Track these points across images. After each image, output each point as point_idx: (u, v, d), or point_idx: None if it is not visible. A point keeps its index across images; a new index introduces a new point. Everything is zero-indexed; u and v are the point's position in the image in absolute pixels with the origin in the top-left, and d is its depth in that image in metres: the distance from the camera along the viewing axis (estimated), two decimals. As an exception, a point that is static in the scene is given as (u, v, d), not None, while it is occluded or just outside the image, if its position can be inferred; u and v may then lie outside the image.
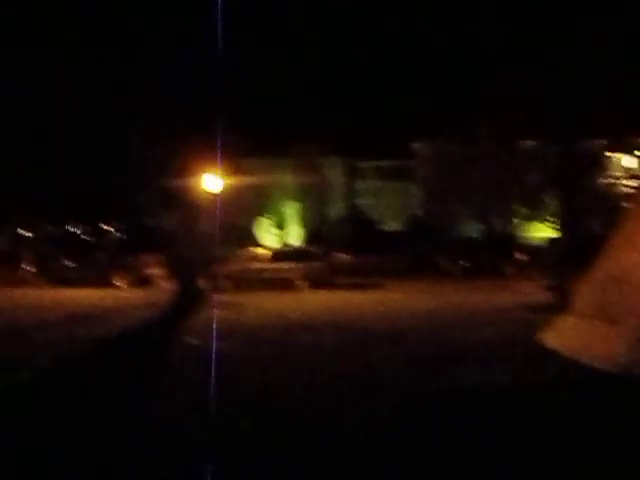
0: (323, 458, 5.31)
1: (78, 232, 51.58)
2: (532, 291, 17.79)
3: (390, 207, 53.03)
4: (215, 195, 21.83)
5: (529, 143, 33.54)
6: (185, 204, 17.69)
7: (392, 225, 50.36)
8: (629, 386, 7.46)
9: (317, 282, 21.51)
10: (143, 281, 23.17)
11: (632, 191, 23.90)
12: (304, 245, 24.24)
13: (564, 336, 9.84)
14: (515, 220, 35.05)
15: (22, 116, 29.98)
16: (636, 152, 35.50)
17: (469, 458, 5.27)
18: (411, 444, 5.64)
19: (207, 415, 6.47)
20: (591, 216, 25.23)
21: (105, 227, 50.42)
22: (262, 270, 22.14)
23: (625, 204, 19.21)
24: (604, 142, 33.61)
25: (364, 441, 5.73)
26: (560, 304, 13.80)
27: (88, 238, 47.81)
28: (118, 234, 43.52)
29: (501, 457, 5.31)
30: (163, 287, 20.88)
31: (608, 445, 5.47)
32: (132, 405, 7.05)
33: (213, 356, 9.37)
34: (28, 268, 24.90)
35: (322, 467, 5.11)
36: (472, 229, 36.98)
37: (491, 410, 6.69)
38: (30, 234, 31.18)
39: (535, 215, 34.27)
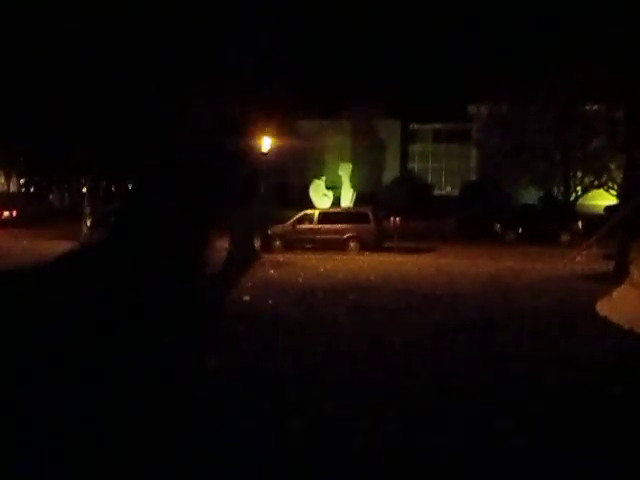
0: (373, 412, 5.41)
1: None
2: (590, 260, 17.38)
3: (445, 171, 52.26)
4: (270, 156, 21.95)
5: (594, 107, 32.26)
6: (241, 164, 17.82)
7: (446, 189, 49.71)
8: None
9: (368, 244, 21.53)
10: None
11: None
12: (356, 207, 24.16)
13: (620, 306, 9.63)
14: (576, 187, 34.01)
15: (84, 75, 30.45)
16: None
17: (517, 419, 5.29)
18: (462, 406, 5.68)
19: (256, 369, 6.66)
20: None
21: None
22: (314, 231, 22.27)
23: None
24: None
25: (414, 399, 5.80)
26: (618, 274, 13.47)
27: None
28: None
29: (546, 419, 5.31)
30: (218, 245, 21.27)
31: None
32: (183, 357, 7.31)
33: (268, 314, 9.57)
34: (88, 225, 25.70)
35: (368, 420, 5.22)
36: (530, 195, 36.12)
37: (541, 375, 6.66)
38: (91, 192, 32.01)
39: (597, 182, 33.17)
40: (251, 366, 6.81)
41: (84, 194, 34.52)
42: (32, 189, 50.30)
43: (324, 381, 6.38)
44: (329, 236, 21.97)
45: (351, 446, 4.75)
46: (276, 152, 23.41)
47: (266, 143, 20.95)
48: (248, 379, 6.39)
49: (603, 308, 10.03)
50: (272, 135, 21.55)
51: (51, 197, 48.52)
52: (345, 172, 26.60)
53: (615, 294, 10.30)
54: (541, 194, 35.00)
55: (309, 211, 23.20)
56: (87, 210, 27.19)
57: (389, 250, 21.20)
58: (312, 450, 4.70)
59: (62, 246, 21.44)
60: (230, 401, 5.73)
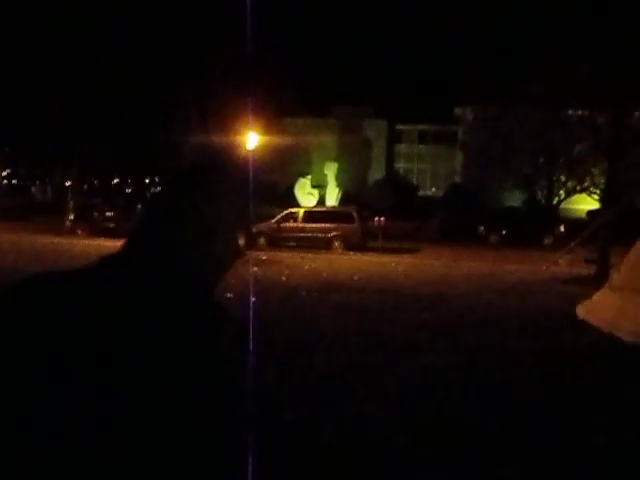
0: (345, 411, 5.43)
1: (121, 184, 52.53)
2: (571, 263, 17.55)
3: (430, 172, 52.46)
4: (255, 154, 21.94)
5: (578, 112, 32.54)
6: (226, 161, 17.85)
7: (431, 190, 49.89)
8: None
9: (352, 244, 21.59)
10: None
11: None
12: (341, 207, 24.21)
13: (599, 309, 9.74)
14: (559, 191, 34.30)
15: (73, 68, 30.11)
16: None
17: (497, 422, 5.33)
18: (438, 408, 5.71)
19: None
20: (637, 190, 24.62)
21: (148, 180, 51.24)
22: (298, 229, 22.28)
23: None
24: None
25: (387, 397, 5.83)
26: (599, 278, 13.64)
27: (130, 190, 48.78)
28: (159, 187, 44.08)
29: (526, 423, 5.36)
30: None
31: (630, 417, 5.47)
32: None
33: (250, 312, 9.54)
34: (71, 218, 25.51)
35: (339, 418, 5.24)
36: (514, 198, 36.36)
37: (519, 376, 6.72)
38: (75, 185, 31.72)
39: (580, 187, 33.47)
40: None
41: (67, 188, 34.27)
42: (14, 182, 49.78)
43: (306, 382, 6.38)
44: (313, 235, 22.00)
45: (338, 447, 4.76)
46: (262, 150, 23.41)
47: (252, 140, 20.94)
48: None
49: (583, 311, 10.14)
50: (258, 132, 21.54)
51: (33, 190, 48.04)
52: (331, 171, 26.65)
53: (595, 298, 10.41)
54: (525, 197, 35.27)
55: (294, 209, 23.20)
56: (70, 204, 27.02)
57: (373, 250, 21.26)
58: (304, 450, 4.71)
59: (44, 240, 21.26)
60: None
